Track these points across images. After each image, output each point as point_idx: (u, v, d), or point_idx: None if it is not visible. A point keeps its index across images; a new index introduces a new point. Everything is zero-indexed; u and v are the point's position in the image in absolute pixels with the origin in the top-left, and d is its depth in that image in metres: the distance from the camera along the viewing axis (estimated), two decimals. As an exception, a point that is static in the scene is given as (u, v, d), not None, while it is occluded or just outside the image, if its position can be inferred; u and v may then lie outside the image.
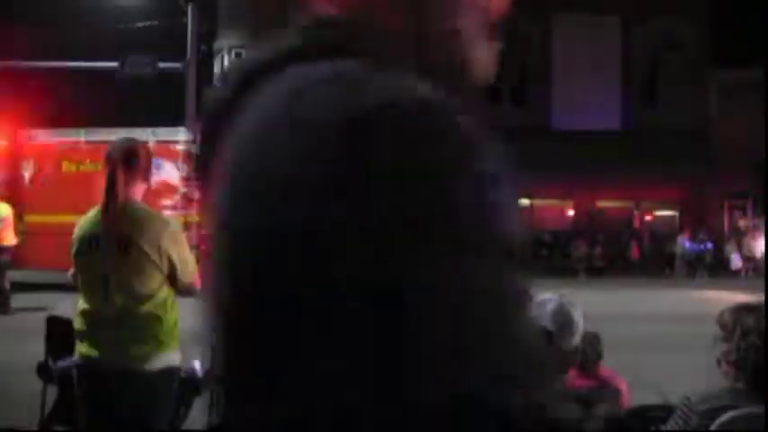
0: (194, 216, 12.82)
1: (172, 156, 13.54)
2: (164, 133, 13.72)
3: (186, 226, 12.80)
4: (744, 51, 19.35)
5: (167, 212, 12.93)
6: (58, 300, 5.11)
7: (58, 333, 3.87)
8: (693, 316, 10.62)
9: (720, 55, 20.71)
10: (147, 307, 2.48)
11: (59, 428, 3.64)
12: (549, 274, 15.75)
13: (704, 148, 20.25)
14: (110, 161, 2.59)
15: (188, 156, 13.39)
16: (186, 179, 13.30)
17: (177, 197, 13.29)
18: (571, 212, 21.61)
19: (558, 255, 19.08)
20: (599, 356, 3.30)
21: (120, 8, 20.56)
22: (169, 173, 13.45)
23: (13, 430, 4.64)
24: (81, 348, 2.53)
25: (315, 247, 0.45)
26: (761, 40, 16.88)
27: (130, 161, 2.61)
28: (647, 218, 21.04)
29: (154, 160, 11.49)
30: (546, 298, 1.97)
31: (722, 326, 1.91)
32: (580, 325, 1.92)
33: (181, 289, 2.63)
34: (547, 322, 1.89)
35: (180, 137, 13.83)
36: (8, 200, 12.15)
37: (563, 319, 1.89)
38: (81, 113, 18.71)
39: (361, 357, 0.44)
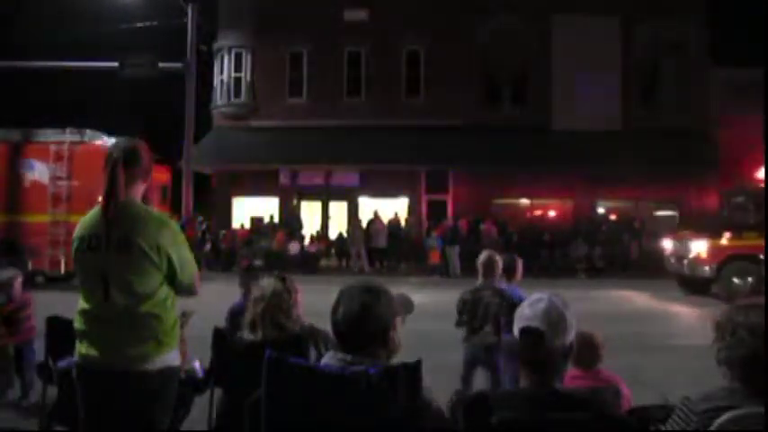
0: (63, 214, 13.75)
1: (44, 156, 14.16)
2: (37, 135, 14.31)
3: (54, 224, 13.70)
4: (744, 51, 19.35)
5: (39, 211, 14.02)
6: (57, 300, 5.11)
7: (58, 333, 3.88)
8: (693, 315, 10.65)
9: (720, 55, 20.71)
10: (146, 306, 2.48)
11: (59, 428, 3.64)
12: (548, 273, 15.76)
13: (704, 148, 20.25)
14: (110, 160, 2.59)
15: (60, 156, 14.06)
16: (56, 178, 14.00)
17: (48, 196, 14.02)
18: (571, 212, 21.59)
19: (557, 255, 19.07)
20: (599, 357, 3.31)
21: (120, 8, 20.55)
22: (41, 173, 14.10)
23: (14, 430, 4.64)
24: (81, 348, 2.53)
25: None
26: (761, 40, 16.88)
27: (131, 161, 2.61)
28: (647, 218, 21.02)
29: (25, 161, 11.61)
30: (536, 297, 1.97)
31: (716, 325, 1.91)
32: (572, 324, 1.92)
33: (180, 289, 2.63)
34: (537, 322, 1.89)
35: (52, 138, 14.34)
36: None
37: (554, 319, 1.89)
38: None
39: None
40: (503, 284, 5.35)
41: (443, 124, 21.44)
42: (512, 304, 4.83)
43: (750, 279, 12.65)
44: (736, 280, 12.72)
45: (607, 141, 20.14)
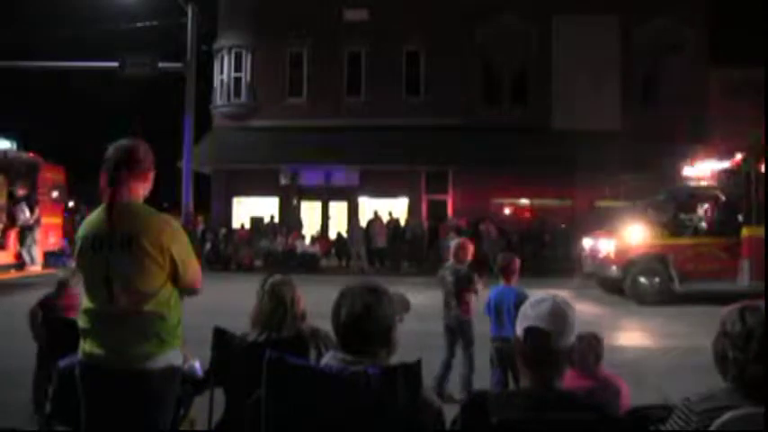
0: None
1: None
2: None
3: None
4: (744, 51, 19.34)
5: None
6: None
7: (59, 332, 3.88)
8: (693, 316, 10.64)
9: (720, 55, 20.71)
10: (149, 306, 2.49)
11: (59, 428, 3.64)
12: (548, 273, 15.75)
13: (704, 149, 20.23)
14: (112, 161, 2.60)
15: None
16: None
17: None
18: (571, 212, 21.57)
19: (557, 255, 19.05)
20: (599, 357, 3.31)
21: (120, 8, 20.56)
22: None
23: (14, 430, 4.64)
24: (85, 347, 2.54)
25: None
26: (761, 40, 16.88)
27: (133, 161, 2.62)
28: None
29: None
30: (540, 298, 1.97)
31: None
32: (574, 325, 1.92)
33: (182, 288, 2.63)
34: (543, 323, 1.89)
35: None
36: None
37: (558, 320, 1.89)
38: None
39: None
40: (502, 284, 5.38)
41: (443, 124, 21.44)
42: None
43: (657, 279, 12.58)
44: (642, 279, 12.63)
45: (607, 141, 20.13)
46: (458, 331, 5.88)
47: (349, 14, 22.71)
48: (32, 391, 4.75)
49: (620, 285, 13.00)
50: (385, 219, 20.17)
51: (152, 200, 2.78)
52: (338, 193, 22.35)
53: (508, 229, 19.72)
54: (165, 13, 20.23)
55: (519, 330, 1.95)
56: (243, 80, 23.14)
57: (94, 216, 2.61)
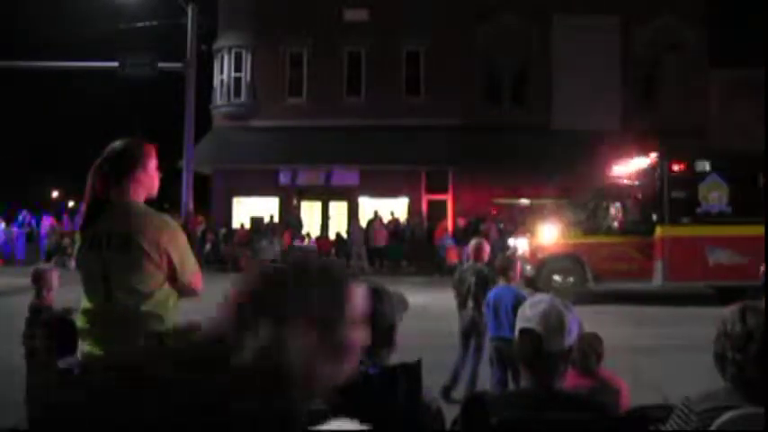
0: None
1: None
2: None
3: None
4: (744, 51, 19.35)
5: None
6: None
7: (58, 333, 3.88)
8: (694, 316, 10.64)
9: (720, 55, 20.71)
10: (147, 306, 2.49)
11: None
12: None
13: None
14: (110, 160, 2.60)
15: None
16: None
17: None
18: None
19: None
20: (599, 357, 3.31)
21: (120, 8, 20.56)
22: None
23: (15, 430, 4.64)
24: (84, 347, 2.54)
25: None
26: (761, 40, 16.89)
27: (132, 160, 2.62)
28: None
29: None
30: (538, 299, 1.98)
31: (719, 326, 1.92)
32: (573, 327, 1.92)
33: (180, 289, 2.63)
34: (535, 324, 1.89)
35: None
36: None
37: (552, 322, 1.89)
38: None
39: None
40: (501, 284, 5.39)
41: (443, 124, 21.43)
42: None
43: (571, 279, 12.56)
44: (556, 278, 12.62)
45: (607, 141, 20.12)
46: (473, 333, 5.71)
47: (349, 14, 22.69)
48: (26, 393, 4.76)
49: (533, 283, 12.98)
50: (385, 219, 20.16)
51: (152, 200, 2.77)
52: (338, 193, 22.34)
53: (508, 229, 19.69)
54: (164, 13, 20.23)
55: (516, 331, 1.96)
56: (243, 80, 23.13)
57: (94, 216, 2.61)
